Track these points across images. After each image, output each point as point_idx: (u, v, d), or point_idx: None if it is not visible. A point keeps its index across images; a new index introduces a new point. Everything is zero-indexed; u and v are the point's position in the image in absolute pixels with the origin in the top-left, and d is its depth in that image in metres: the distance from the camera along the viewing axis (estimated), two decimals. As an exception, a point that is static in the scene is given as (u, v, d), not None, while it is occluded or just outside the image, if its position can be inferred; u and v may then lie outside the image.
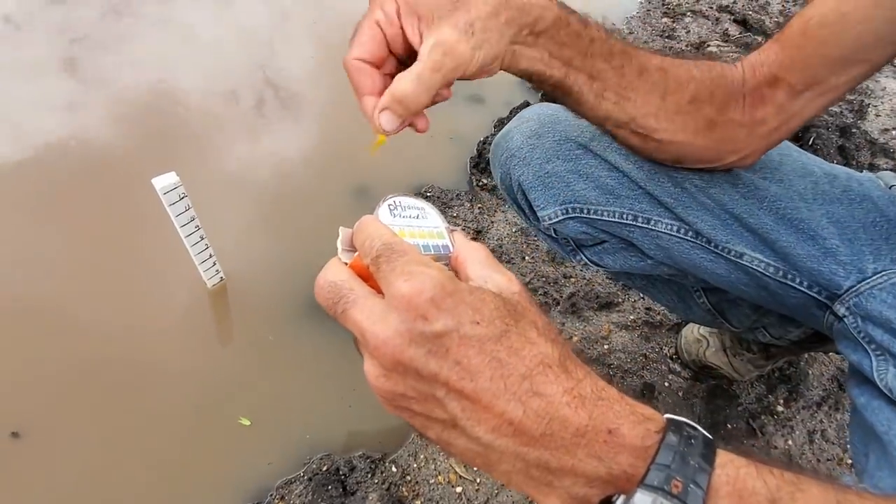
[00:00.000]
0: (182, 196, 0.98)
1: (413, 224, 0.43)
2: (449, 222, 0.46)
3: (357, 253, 0.39)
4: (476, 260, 0.40)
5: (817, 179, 0.70)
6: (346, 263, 0.40)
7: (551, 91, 0.57)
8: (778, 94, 0.61)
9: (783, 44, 0.60)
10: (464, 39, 0.45)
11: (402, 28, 0.48)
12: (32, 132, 1.50)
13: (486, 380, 0.32)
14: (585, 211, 0.74)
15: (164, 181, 0.94)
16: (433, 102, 0.51)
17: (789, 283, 0.69)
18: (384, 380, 0.34)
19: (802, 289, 0.68)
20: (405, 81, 0.45)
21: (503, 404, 0.32)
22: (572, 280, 1.30)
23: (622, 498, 0.31)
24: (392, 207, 0.43)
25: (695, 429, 0.34)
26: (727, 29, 2.13)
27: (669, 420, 0.34)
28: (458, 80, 0.49)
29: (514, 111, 1.67)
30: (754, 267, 0.69)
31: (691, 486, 0.30)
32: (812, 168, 0.71)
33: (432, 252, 0.42)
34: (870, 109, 1.80)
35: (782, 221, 0.68)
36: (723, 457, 0.33)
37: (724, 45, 2.06)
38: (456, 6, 0.46)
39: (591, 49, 0.54)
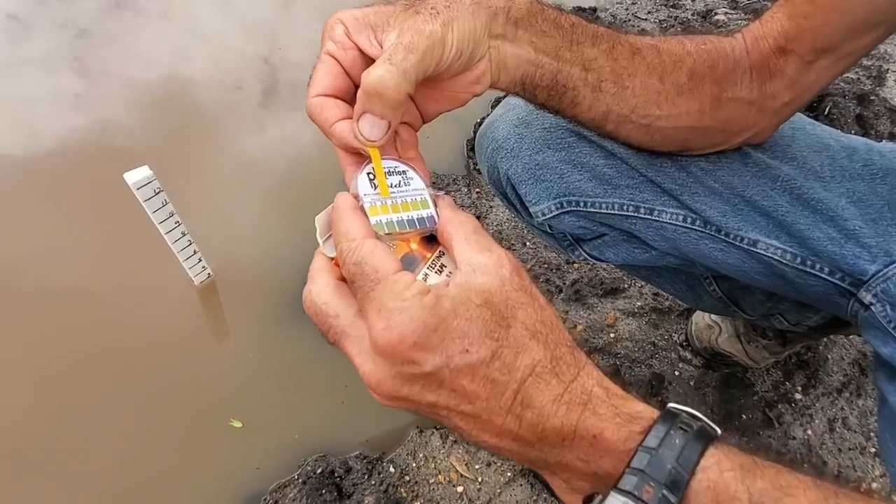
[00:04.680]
0: (157, 191, 0.93)
1: (395, 194, 0.41)
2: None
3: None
4: (462, 239, 0.38)
5: (834, 154, 0.64)
6: (330, 257, 0.40)
7: (545, 98, 0.52)
8: (788, 67, 0.56)
9: (789, 12, 0.55)
10: (429, 19, 0.40)
11: (357, 48, 0.42)
12: (33, 127, 1.47)
13: (482, 401, 0.35)
14: (582, 204, 0.69)
15: (136, 175, 0.89)
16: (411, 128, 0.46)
17: (808, 270, 0.63)
18: (388, 403, 0.37)
19: (823, 276, 0.63)
20: (376, 69, 0.38)
21: (500, 420, 0.35)
22: (575, 266, 1.24)
23: (598, 498, 0.33)
24: (372, 177, 0.41)
25: (692, 422, 0.33)
26: (735, -6, 2.03)
27: (663, 415, 0.34)
28: (449, 105, 0.46)
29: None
30: (769, 255, 0.63)
31: (664, 491, 0.31)
32: (828, 142, 0.66)
33: (417, 227, 0.40)
34: (888, 75, 1.71)
35: (798, 202, 0.62)
36: (709, 458, 0.32)
37: (733, 11, 1.98)
38: (410, 4, 0.41)
39: (575, 35, 0.49)
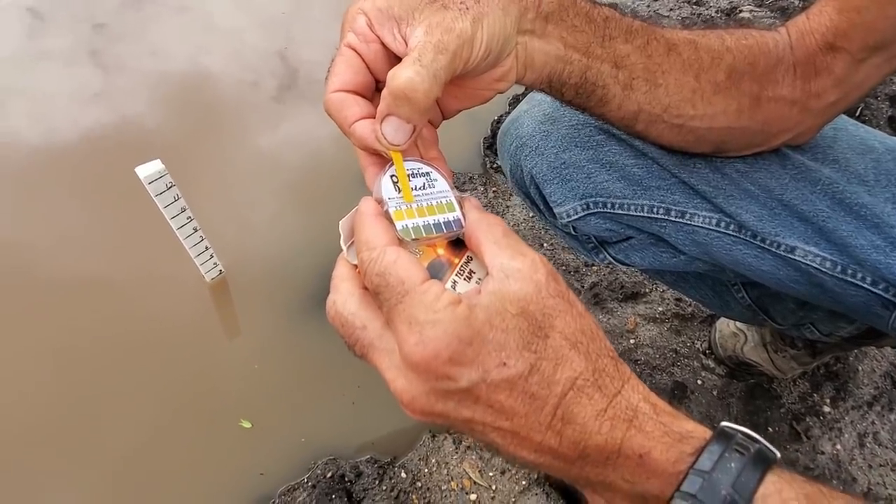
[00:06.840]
0: (169, 185, 0.91)
1: (420, 198, 0.39)
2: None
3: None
4: (492, 243, 0.36)
5: (879, 157, 0.61)
6: (354, 264, 0.38)
7: (573, 95, 0.49)
8: (836, 64, 0.52)
9: (840, 6, 0.51)
10: (459, 16, 0.37)
11: (380, 41, 0.39)
12: (51, 119, 1.46)
13: (520, 417, 0.33)
14: (609, 205, 0.66)
15: (148, 170, 0.87)
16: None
17: (849, 279, 0.59)
18: (422, 419, 0.35)
19: (865, 285, 0.59)
20: (404, 69, 0.35)
21: (539, 436, 0.33)
22: (595, 269, 1.21)
23: None
24: (395, 180, 0.39)
25: (749, 443, 0.32)
26: (762, -9, 1.98)
27: (716, 435, 0.33)
28: (470, 102, 0.44)
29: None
30: (808, 262, 0.59)
31: None
32: (872, 144, 0.62)
33: (444, 231, 0.38)
34: (921, 75, 1.66)
35: (840, 207, 0.58)
36: (769, 485, 0.30)
37: (758, 9, 1.92)
38: None
39: (607, 30, 0.46)
